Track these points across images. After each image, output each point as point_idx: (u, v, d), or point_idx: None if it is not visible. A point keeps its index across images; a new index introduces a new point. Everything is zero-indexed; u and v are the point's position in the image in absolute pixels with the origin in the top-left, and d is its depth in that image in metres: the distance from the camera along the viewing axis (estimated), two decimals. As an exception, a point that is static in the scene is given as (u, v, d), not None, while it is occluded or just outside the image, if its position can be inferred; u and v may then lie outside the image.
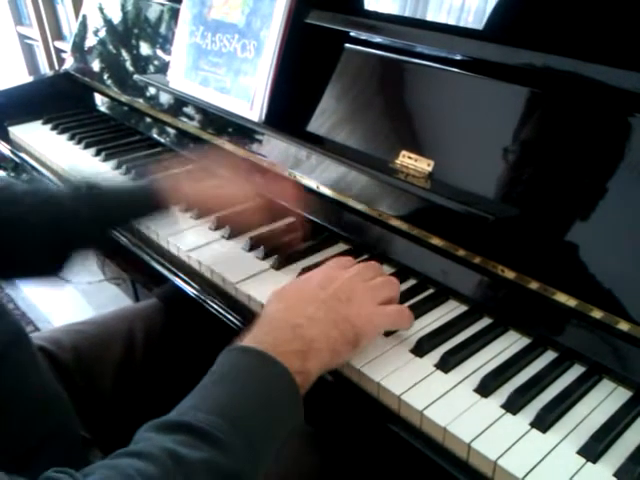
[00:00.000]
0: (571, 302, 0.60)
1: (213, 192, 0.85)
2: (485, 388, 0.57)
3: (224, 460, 0.44)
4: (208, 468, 0.43)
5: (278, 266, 0.76)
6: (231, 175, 0.88)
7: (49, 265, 0.75)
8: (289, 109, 0.91)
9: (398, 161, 0.77)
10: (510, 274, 0.64)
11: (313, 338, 0.54)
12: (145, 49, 1.23)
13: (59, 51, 2.51)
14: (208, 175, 0.87)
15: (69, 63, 1.42)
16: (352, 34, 0.87)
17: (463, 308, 0.69)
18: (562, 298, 0.61)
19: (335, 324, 0.56)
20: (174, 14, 1.13)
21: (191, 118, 1.07)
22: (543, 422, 0.53)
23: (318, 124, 0.88)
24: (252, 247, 0.80)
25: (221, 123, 1.01)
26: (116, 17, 1.31)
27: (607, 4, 0.64)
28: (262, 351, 0.51)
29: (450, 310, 0.69)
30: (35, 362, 0.63)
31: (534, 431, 0.53)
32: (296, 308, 0.57)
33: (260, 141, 0.95)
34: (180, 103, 1.10)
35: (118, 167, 1.06)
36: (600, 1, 0.65)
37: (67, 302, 2.04)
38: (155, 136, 1.16)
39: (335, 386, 0.62)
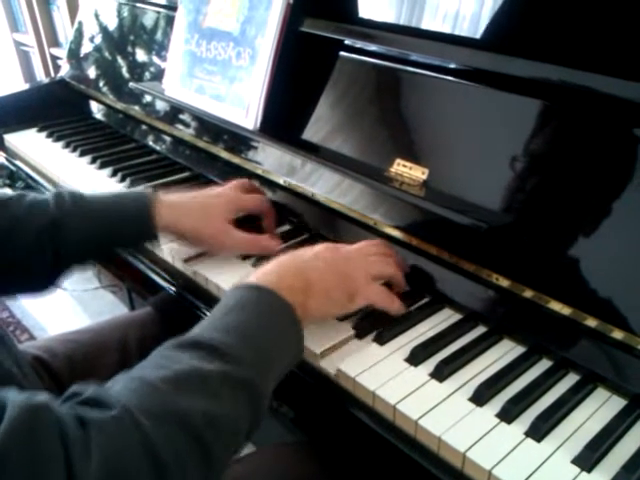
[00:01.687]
0: (565, 310, 0.60)
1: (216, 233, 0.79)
2: (480, 397, 0.57)
3: (236, 369, 0.49)
4: (223, 377, 0.48)
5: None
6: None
7: (42, 278, 0.74)
8: (284, 117, 0.92)
9: (393, 169, 0.77)
10: (504, 282, 0.64)
11: (313, 280, 0.61)
12: (141, 56, 1.23)
13: (55, 58, 2.51)
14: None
15: (65, 70, 1.42)
16: (347, 42, 0.87)
17: (458, 316, 0.69)
18: (556, 306, 0.61)
19: (334, 274, 0.63)
20: (169, 21, 1.13)
21: (187, 126, 1.08)
22: (538, 431, 0.53)
23: (313, 132, 0.88)
24: (246, 255, 0.80)
25: (216, 131, 1.01)
26: (112, 24, 1.31)
27: (603, 13, 0.65)
28: (266, 286, 0.57)
29: (445, 319, 0.69)
30: (20, 368, 0.62)
31: (529, 440, 0.53)
32: (299, 258, 0.63)
33: (255, 148, 0.95)
34: (175, 111, 1.10)
35: (113, 175, 1.06)
36: (596, 9, 0.65)
37: (63, 310, 2.03)
38: (151, 144, 1.16)
39: (330, 395, 0.62)
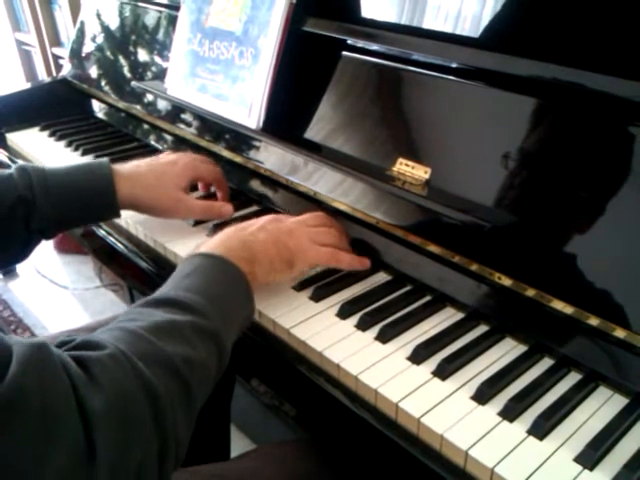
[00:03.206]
0: (567, 310, 0.60)
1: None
2: (482, 395, 0.57)
3: (205, 322, 0.53)
4: (194, 328, 0.52)
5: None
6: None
7: (15, 251, 0.78)
8: (286, 116, 0.92)
9: (395, 168, 0.77)
10: (507, 281, 0.64)
11: (257, 250, 0.66)
12: (143, 56, 1.23)
13: (57, 57, 2.52)
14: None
15: (66, 69, 1.42)
16: (349, 42, 0.87)
17: (460, 315, 0.69)
18: (559, 305, 0.61)
19: (275, 245, 0.68)
20: (172, 21, 1.13)
21: (189, 125, 1.08)
22: (540, 429, 0.53)
23: (315, 131, 0.88)
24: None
25: (218, 130, 1.01)
26: (114, 23, 1.32)
27: (605, 13, 0.65)
28: (219, 254, 0.62)
29: (447, 317, 0.69)
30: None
31: (531, 439, 0.53)
32: (245, 231, 0.69)
33: (257, 148, 0.95)
34: (178, 110, 1.10)
35: (115, 174, 1.06)
36: (597, 10, 0.65)
37: (64, 308, 2.04)
38: (153, 143, 1.16)
39: (332, 393, 0.62)
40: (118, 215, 0.82)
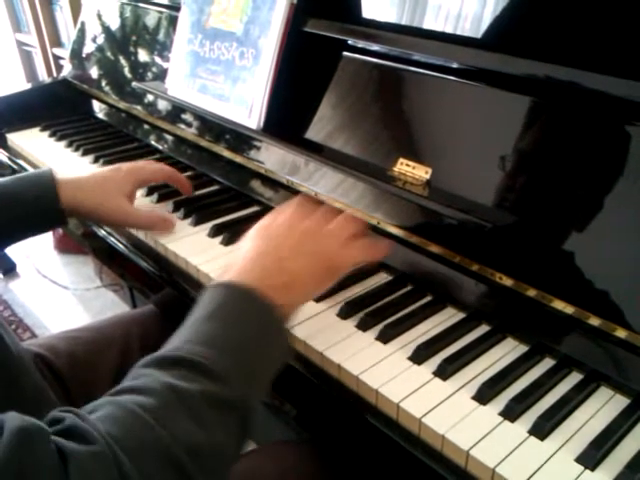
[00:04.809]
0: (569, 309, 0.60)
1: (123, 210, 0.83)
2: (483, 396, 0.57)
3: (220, 389, 0.45)
4: (206, 398, 0.44)
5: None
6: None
7: None
8: (287, 116, 0.92)
9: (396, 168, 0.77)
10: (508, 281, 0.64)
11: (299, 271, 0.57)
12: (143, 56, 1.23)
13: (57, 58, 2.52)
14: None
15: (67, 70, 1.43)
16: (349, 42, 0.87)
17: (461, 315, 0.69)
18: (560, 305, 0.61)
19: (315, 256, 0.59)
20: (172, 21, 1.13)
21: (189, 125, 1.08)
22: (541, 430, 0.53)
23: (316, 131, 0.88)
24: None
25: (219, 130, 1.01)
26: (114, 24, 1.32)
27: (604, 14, 0.65)
28: (247, 288, 0.53)
29: (448, 317, 0.69)
30: (22, 363, 0.63)
31: (532, 439, 0.53)
32: (277, 241, 0.59)
33: (258, 148, 0.95)
34: (178, 110, 1.10)
35: (116, 174, 1.06)
36: (597, 10, 0.65)
37: (64, 308, 2.04)
38: (153, 143, 1.16)
39: (332, 393, 0.62)
40: (65, 222, 0.82)
